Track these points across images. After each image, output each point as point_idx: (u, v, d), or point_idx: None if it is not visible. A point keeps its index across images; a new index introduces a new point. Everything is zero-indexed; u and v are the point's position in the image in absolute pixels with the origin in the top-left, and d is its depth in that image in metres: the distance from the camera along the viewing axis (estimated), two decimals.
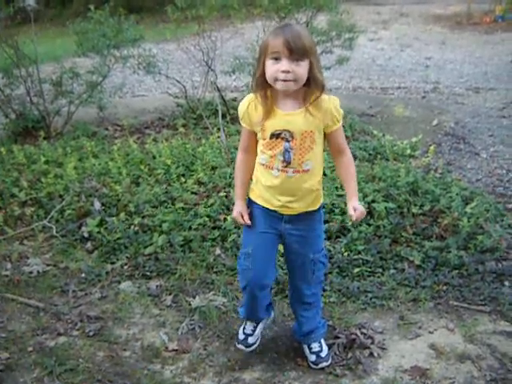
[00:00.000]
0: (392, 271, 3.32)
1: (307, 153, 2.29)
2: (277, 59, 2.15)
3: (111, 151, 5.10)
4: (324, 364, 2.59)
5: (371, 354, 2.67)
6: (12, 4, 6.10)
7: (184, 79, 6.97)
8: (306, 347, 2.65)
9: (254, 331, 2.66)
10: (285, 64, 2.14)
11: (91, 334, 2.85)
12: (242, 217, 2.47)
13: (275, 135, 2.28)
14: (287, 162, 2.29)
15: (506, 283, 3.20)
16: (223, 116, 5.78)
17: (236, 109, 7.01)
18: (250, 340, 2.64)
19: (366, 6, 16.70)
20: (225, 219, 3.76)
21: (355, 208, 2.37)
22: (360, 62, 10.29)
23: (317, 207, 2.45)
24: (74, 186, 4.27)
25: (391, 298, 3.10)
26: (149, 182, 4.39)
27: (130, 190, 4.23)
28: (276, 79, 2.18)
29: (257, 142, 2.39)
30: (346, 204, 3.78)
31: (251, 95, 2.33)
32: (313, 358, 2.60)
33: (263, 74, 2.23)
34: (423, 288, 3.17)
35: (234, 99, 6.77)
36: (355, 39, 6.52)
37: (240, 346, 2.65)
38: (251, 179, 2.50)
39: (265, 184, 2.38)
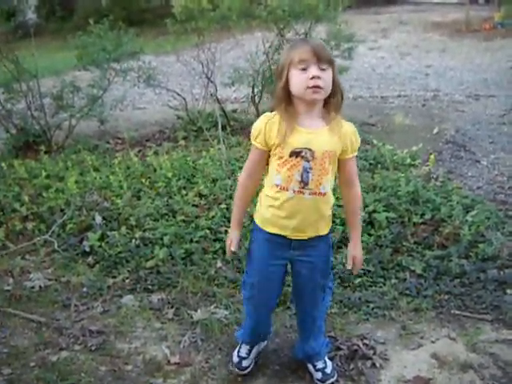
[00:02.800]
0: (393, 281, 3.31)
1: (325, 175, 2.21)
2: (304, 69, 2.13)
3: (112, 165, 5.11)
4: (331, 380, 2.54)
5: (373, 365, 2.66)
6: (13, 19, 6.15)
7: (184, 91, 6.99)
8: (310, 365, 2.62)
9: (248, 354, 2.63)
10: (314, 70, 2.12)
11: (93, 348, 2.84)
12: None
13: (295, 153, 2.17)
14: (305, 183, 2.20)
15: (508, 291, 3.19)
16: (223, 128, 5.79)
17: (236, 120, 6.99)
18: (244, 363, 2.61)
19: (365, 15, 16.75)
20: (226, 231, 3.76)
21: (355, 257, 2.35)
22: (360, 71, 10.30)
23: (327, 232, 2.37)
24: (75, 200, 4.27)
25: (393, 308, 3.09)
26: (150, 196, 4.40)
27: (131, 203, 4.24)
28: (306, 88, 2.13)
29: (265, 166, 2.30)
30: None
31: (268, 114, 2.26)
32: (319, 375, 2.56)
33: (286, 86, 2.18)
34: (425, 297, 3.17)
35: (234, 111, 6.80)
36: (354, 49, 6.55)
37: (234, 369, 2.62)
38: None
39: (277, 207, 2.26)
